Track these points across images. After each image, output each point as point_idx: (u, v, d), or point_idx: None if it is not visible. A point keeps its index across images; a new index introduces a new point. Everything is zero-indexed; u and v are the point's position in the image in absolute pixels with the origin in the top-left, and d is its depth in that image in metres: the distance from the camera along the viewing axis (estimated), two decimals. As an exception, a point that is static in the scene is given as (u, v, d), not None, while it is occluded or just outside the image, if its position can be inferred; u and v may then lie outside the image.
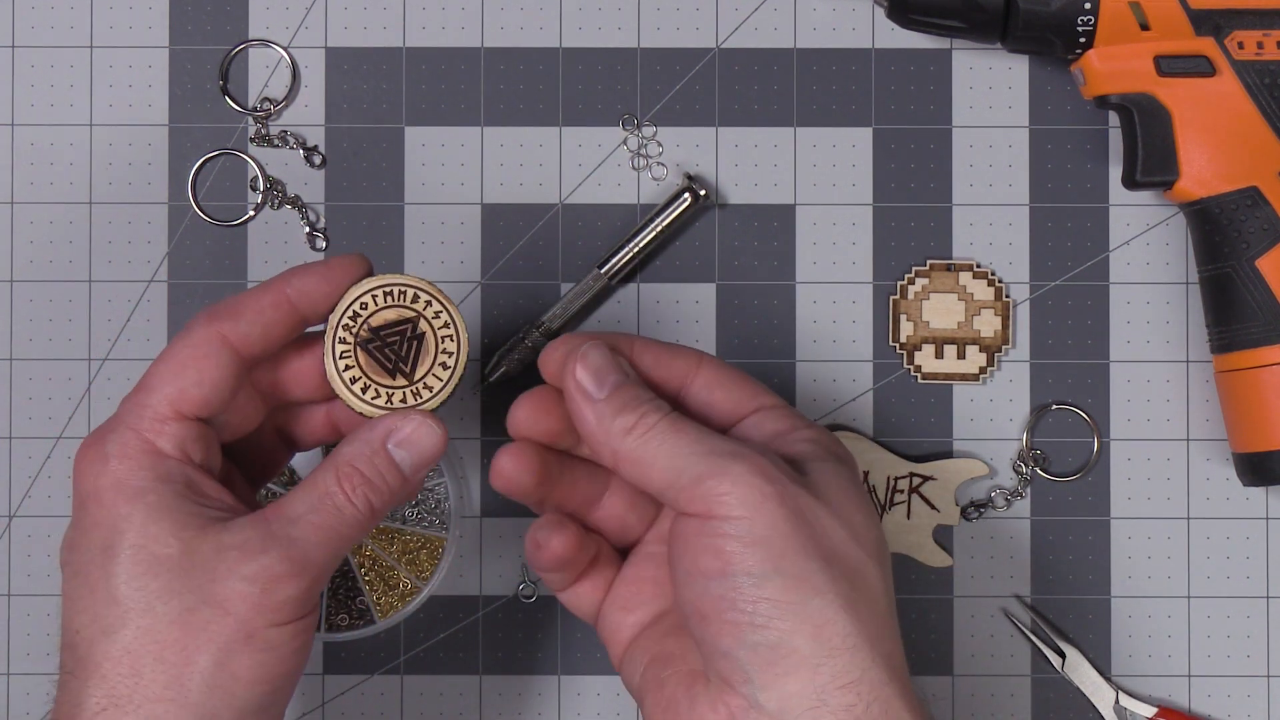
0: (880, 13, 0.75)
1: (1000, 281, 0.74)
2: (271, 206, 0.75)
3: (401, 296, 0.59)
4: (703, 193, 0.73)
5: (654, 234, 0.73)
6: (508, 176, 0.75)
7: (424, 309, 0.59)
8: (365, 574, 0.71)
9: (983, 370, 0.74)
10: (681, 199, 0.73)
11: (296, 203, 0.75)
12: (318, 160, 0.75)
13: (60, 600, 0.58)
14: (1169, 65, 0.66)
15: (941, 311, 0.74)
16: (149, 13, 0.75)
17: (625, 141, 0.75)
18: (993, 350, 0.74)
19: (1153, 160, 0.68)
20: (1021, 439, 0.74)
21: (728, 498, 0.57)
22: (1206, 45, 0.66)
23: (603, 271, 0.73)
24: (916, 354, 0.74)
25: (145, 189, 0.75)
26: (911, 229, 0.75)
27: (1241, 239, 0.67)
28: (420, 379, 0.59)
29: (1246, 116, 0.67)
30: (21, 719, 0.74)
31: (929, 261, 0.74)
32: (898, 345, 0.74)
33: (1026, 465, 0.74)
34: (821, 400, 0.74)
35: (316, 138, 0.75)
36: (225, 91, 0.75)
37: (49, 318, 0.75)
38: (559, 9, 0.75)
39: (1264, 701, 0.73)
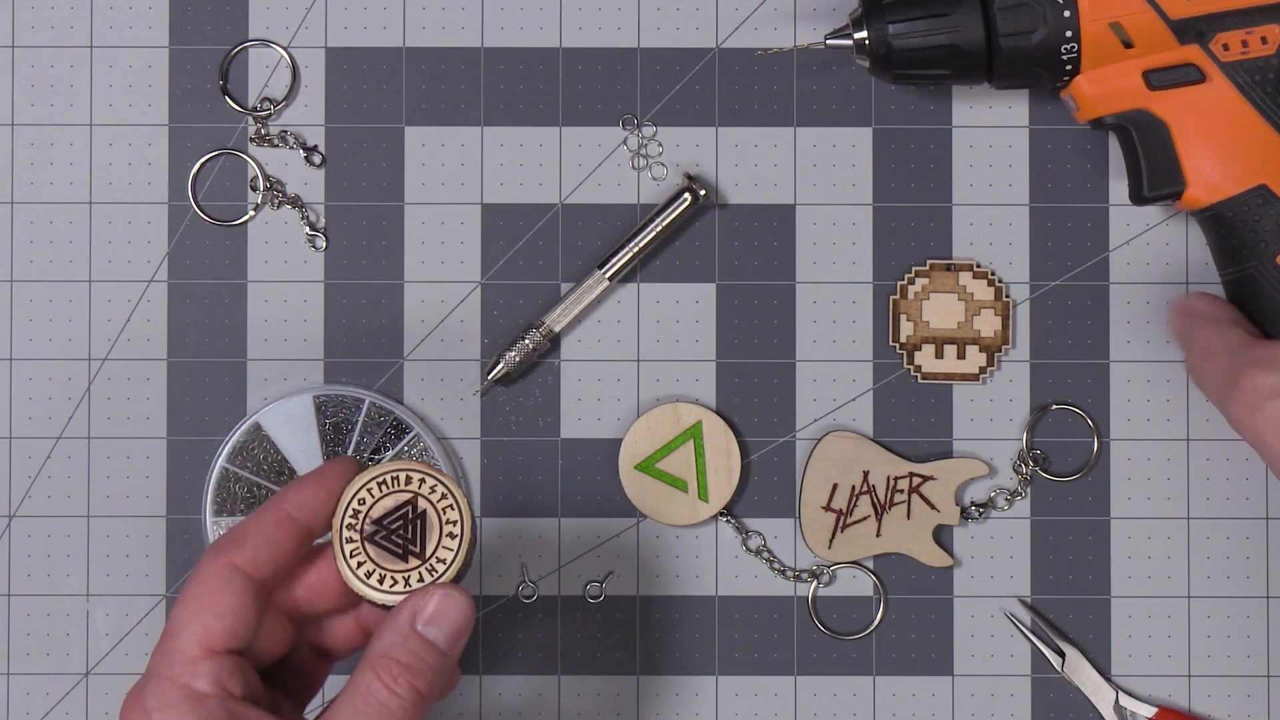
0: (880, 13, 0.75)
1: (1000, 281, 0.74)
2: (271, 206, 0.75)
3: (395, 482, 0.60)
4: (703, 193, 0.73)
5: (654, 234, 0.73)
6: (508, 176, 0.75)
7: (419, 487, 0.60)
8: None
9: (983, 370, 0.74)
10: (681, 199, 0.73)
11: (296, 203, 0.75)
12: (318, 160, 0.75)
13: None
14: (1159, 78, 0.66)
15: (941, 311, 0.74)
16: (149, 13, 0.75)
17: (625, 141, 0.75)
18: (993, 350, 0.74)
19: (1158, 174, 0.68)
20: (1021, 439, 0.74)
21: None
22: (1192, 53, 0.66)
23: (603, 271, 0.73)
24: (916, 354, 0.74)
25: (145, 189, 0.75)
26: (911, 229, 0.74)
27: (1259, 238, 0.67)
28: (431, 554, 0.59)
29: (1244, 116, 0.66)
30: (21, 719, 0.74)
31: (929, 261, 0.74)
32: (898, 345, 0.74)
33: (1026, 465, 0.74)
34: (821, 400, 0.74)
35: (316, 138, 0.75)
36: (225, 91, 0.75)
37: (49, 318, 0.75)
38: (559, 9, 0.75)
39: (1264, 701, 0.73)
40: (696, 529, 0.74)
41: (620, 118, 0.75)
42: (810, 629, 0.74)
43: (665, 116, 0.75)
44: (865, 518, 0.74)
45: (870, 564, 0.74)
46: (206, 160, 0.75)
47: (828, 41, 0.69)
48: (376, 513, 0.60)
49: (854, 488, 0.74)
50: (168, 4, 0.75)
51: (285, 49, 0.75)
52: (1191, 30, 0.65)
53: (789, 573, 0.74)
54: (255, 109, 0.75)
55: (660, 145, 0.75)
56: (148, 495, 0.74)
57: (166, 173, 0.75)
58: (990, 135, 0.74)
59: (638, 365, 0.75)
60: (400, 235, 0.75)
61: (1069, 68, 0.66)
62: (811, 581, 0.74)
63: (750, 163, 0.75)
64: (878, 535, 0.74)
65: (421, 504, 0.60)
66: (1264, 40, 0.65)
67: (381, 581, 0.59)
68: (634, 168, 0.75)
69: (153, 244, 0.75)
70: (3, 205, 0.75)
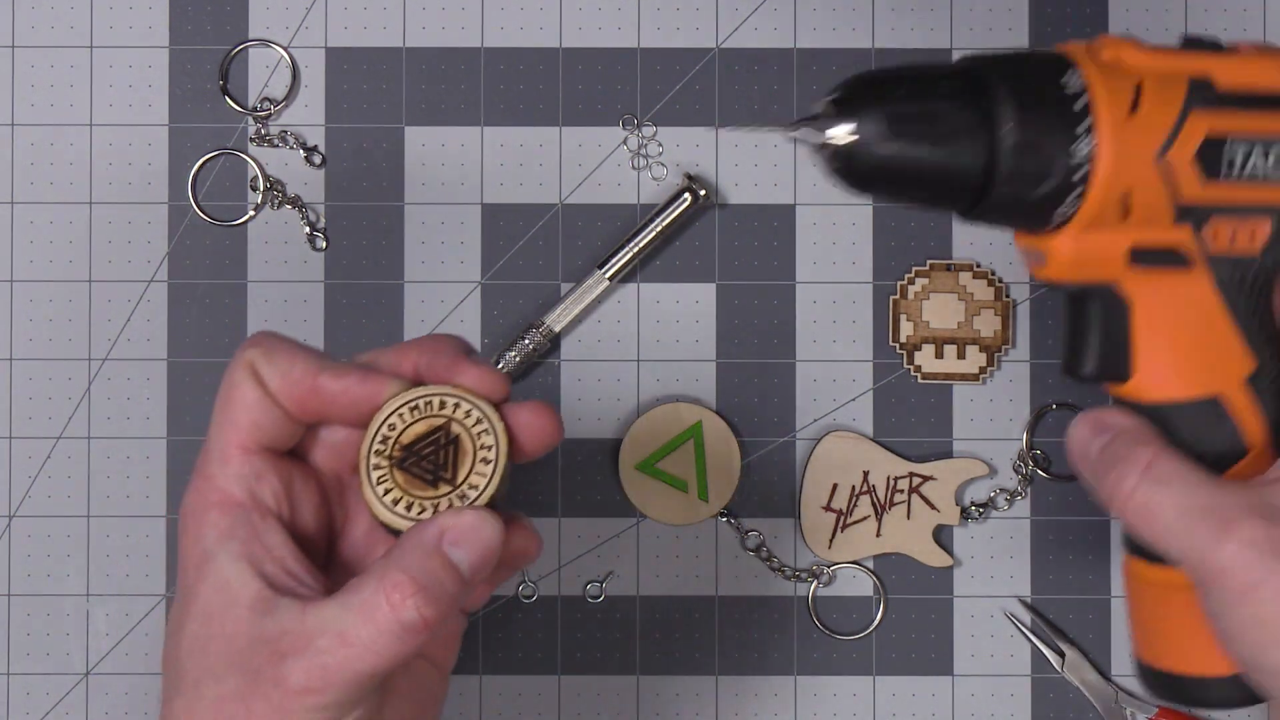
0: (880, 13, 0.75)
1: (1000, 281, 0.74)
2: (271, 206, 0.75)
3: (429, 407, 0.56)
4: (703, 193, 0.73)
5: (654, 234, 0.73)
6: (508, 176, 0.75)
7: (454, 412, 0.56)
8: None
9: (983, 370, 0.74)
10: (681, 199, 0.73)
11: (296, 203, 0.75)
12: (318, 160, 0.75)
13: None
14: (1145, 256, 0.56)
15: (941, 311, 0.74)
16: (149, 13, 0.75)
17: (625, 141, 0.75)
18: (993, 350, 0.74)
19: (1106, 356, 0.58)
20: (1021, 439, 0.74)
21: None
22: (1183, 236, 0.56)
23: (603, 271, 0.73)
24: (916, 354, 0.74)
25: (145, 189, 0.75)
26: (911, 229, 0.74)
27: (1201, 454, 0.57)
28: (463, 481, 0.56)
29: (1214, 316, 0.57)
30: (21, 719, 0.74)
31: (929, 261, 0.74)
32: (898, 345, 0.74)
33: (1026, 465, 0.74)
34: (821, 400, 0.74)
35: (316, 138, 0.75)
36: (225, 91, 0.75)
37: (49, 318, 0.75)
38: (559, 9, 0.75)
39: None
40: (696, 529, 0.74)
41: (620, 118, 0.75)
42: (810, 629, 0.74)
43: (665, 116, 0.75)
44: (865, 518, 0.74)
45: (870, 564, 0.74)
46: (206, 160, 0.75)
47: (800, 130, 0.54)
48: (407, 438, 0.56)
49: (854, 488, 0.74)
50: (168, 4, 0.75)
51: (285, 49, 0.75)
52: (1191, 213, 0.56)
53: (789, 572, 0.74)
54: (255, 109, 0.75)
55: (660, 145, 0.75)
56: (148, 495, 0.74)
57: (166, 173, 0.75)
58: (990, 135, 0.74)
59: (638, 365, 0.75)
60: (400, 235, 0.75)
61: (1056, 224, 0.56)
62: (811, 581, 0.74)
63: (750, 163, 0.75)
64: (878, 535, 0.74)
65: (455, 429, 0.56)
66: (1253, 236, 0.57)
67: (410, 509, 0.55)
68: (634, 168, 0.75)
69: (153, 244, 0.75)
70: (3, 205, 0.75)
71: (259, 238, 0.75)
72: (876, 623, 0.74)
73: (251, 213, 0.75)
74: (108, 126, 0.75)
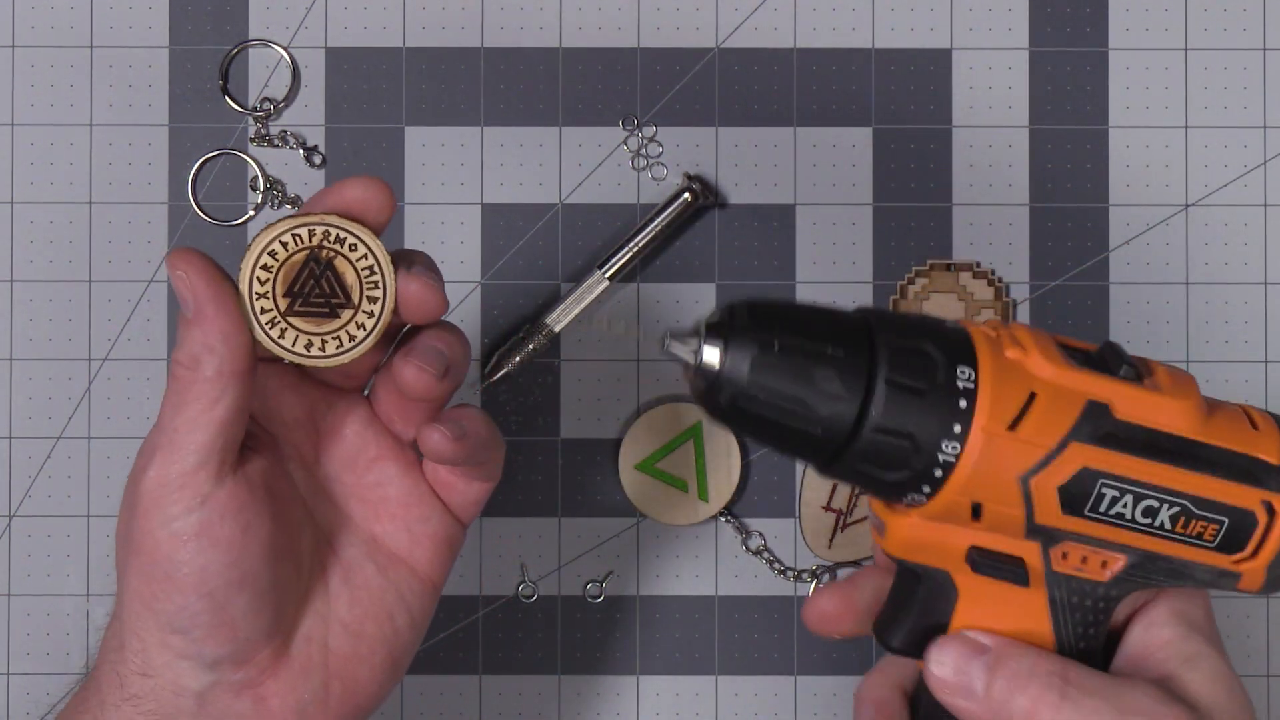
0: (880, 13, 0.75)
1: (1000, 281, 0.74)
2: (271, 206, 0.75)
3: (284, 249, 0.55)
4: (703, 192, 0.73)
5: (654, 234, 0.73)
6: (508, 176, 0.75)
7: (310, 241, 0.55)
8: None
9: (983, 370, 0.74)
10: (681, 199, 0.73)
11: (296, 203, 0.75)
12: (318, 160, 0.75)
13: None
14: (983, 563, 0.53)
15: (941, 311, 0.74)
16: (149, 13, 0.75)
17: (625, 141, 0.75)
18: (993, 350, 0.74)
19: (919, 634, 0.54)
20: (1021, 439, 0.74)
21: None
22: (1029, 550, 0.53)
23: (603, 271, 0.73)
24: (916, 354, 0.74)
25: (145, 189, 0.75)
26: (911, 229, 0.75)
27: None
28: (360, 297, 0.55)
29: (1037, 634, 0.53)
30: (21, 719, 0.74)
31: (929, 261, 0.74)
32: (898, 345, 0.74)
33: (1026, 465, 0.74)
34: (821, 400, 0.74)
35: (316, 138, 0.75)
36: (225, 91, 0.75)
37: (49, 318, 0.75)
38: (559, 9, 0.75)
39: (1264, 701, 0.73)
40: (696, 529, 0.74)
41: (620, 118, 0.75)
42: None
43: (665, 116, 0.75)
44: (865, 518, 0.74)
45: (870, 564, 0.74)
46: (206, 160, 0.75)
47: (668, 345, 0.50)
48: (280, 289, 0.54)
49: (854, 488, 0.74)
50: (168, 4, 0.75)
51: (285, 49, 0.75)
52: (1043, 532, 0.52)
53: (789, 573, 0.74)
54: (255, 109, 0.75)
55: (660, 145, 0.75)
56: (148, 495, 0.74)
57: (166, 173, 0.75)
58: (990, 135, 0.74)
59: (638, 365, 0.75)
60: (400, 235, 0.75)
61: (908, 503, 0.52)
62: (811, 581, 0.74)
63: (750, 163, 0.75)
64: (878, 535, 0.74)
65: (324, 255, 0.55)
66: (1103, 565, 0.53)
67: (324, 347, 0.55)
68: (634, 168, 0.75)
69: (153, 244, 0.75)
70: (3, 205, 0.75)
71: (259, 238, 0.75)
72: (876, 623, 0.74)
73: (251, 213, 0.75)
74: (108, 126, 0.75)
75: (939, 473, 0.50)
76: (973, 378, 0.50)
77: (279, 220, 0.54)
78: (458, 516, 0.59)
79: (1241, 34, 0.75)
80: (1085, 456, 0.51)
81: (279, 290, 0.55)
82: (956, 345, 0.51)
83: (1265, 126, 0.75)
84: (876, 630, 0.56)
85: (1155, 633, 0.54)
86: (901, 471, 0.50)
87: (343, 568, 0.58)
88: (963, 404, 0.50)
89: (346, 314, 0.55)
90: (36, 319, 0.75)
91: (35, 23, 0.75)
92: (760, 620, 0.74)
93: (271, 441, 0.57)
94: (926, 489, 0.51)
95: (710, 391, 0.50)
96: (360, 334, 0.55)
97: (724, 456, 0.74)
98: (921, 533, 0.52)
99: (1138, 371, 0.52)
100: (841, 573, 0.74)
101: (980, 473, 0.50)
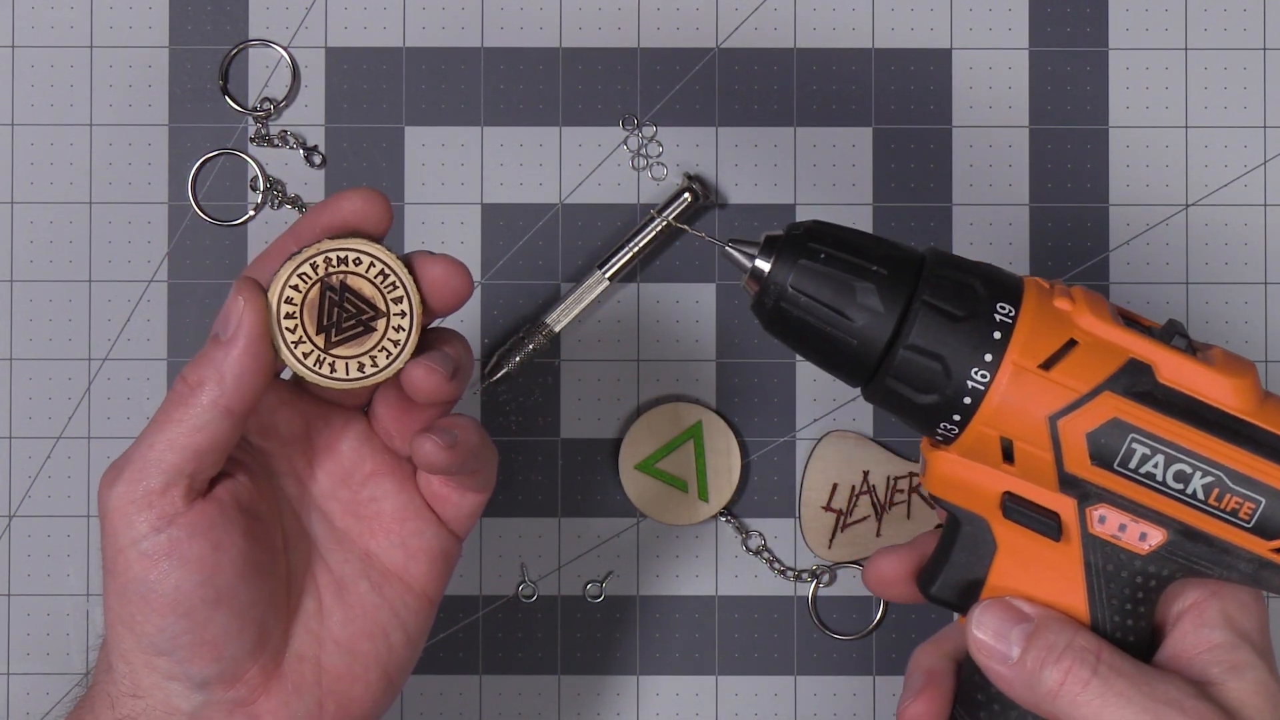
0: (880, 13, 0.75)
1: (1000, 281, 0.74)
2: (271, 206, 0.75)
3: (304, 283, 0.55)
4: (703, 192, 0.73)
5: (654, 234, 0.73)
6: (508, 176, 0.75)
7: (320, 273, 0.55)
8: None
9: (983, 370, 0.74)
10: (681, 199, 0.73)
11: (296, 203, 0.75)
12: (318, 160, 0.75)
13: None
14: (1016, 510, 0.54)
15: (941, 311, 0.74)
16: (149, 13, 0.75)
17: (625, 141, 0.75)
18: (993, 350, 0.74)
19: (957, 586, 0.55)
20: (1021, 439, 0.74)
21: None
22: (1065, 505, 0.53)
23: (603, 271, 0.73)
24: (916, 354, 0.74)
25: (145, 189, 0.75)
26: (911, 229, 0.75)
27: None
28: (386, 309, 0.55)
29: (1070, 599, 0.54)
30: (21, 719, 0.74)
31: (929, 261, 0.74)
32: (898, 345, 0.74)
33: (1026, 465, 0.74)
34: (821, 400, 0.74)
35: (316, 138, 0.75)
36: (225, 91, 0.75)
37: (49, 318, 0.75)
38: (559, 9, 0.75)
39: (1264, 701, 0.73)
40: (696, 529, 0.74)
41: (620, 118, 0.75)
42: (810, 629, 0.74)
43: (665, 116, 0.75)
44: (865, 518, 0.74)
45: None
46: (206, 160, 0.75)
47: (728, 248, 0.55)
48: (312, 329, 0.55)
49: (854, 488, 0.74)
50: (168, 4, 0.75)
51: (285, 49, 0.75)
52: (1078, 487, 0.53)
53: (789, 573, 0.74)
54: (255, 109, 0.75)
55: (660, 145, 0.75)
56: (148, 495, 0.74)
57: (166, 173, 0.75)
58: (990, 135, 0.74)
59: (638, 365, 0.75)
60: (400, 235, 0.75)
61: (940, 439, 0.54)
62: (811, 581, 0.74)
63: (750, 163, 0.75)
64: (878, 535, 0.74)
65: (335, 280, 0.55)
66: (1142, 537, 0.53)
67: (377, 361, 0.55)
68: (634, 168, 0.75)
69: (153, 244, 0.75)
70: (3, 205, 0.75)
71: (259, 238, 0.75)
72: (876, 623, 0.74)
73: (251, 213, 0.75)
74: (108, 126, 0.75)
75: (968, 400, 0.52)
76: (1012, 314, 0.52)
77: (279, 270, 0.55)
78: (453, 530, 0.59)
79: (1241, 34, 0.75)
80: (1117, 407, 0.52)
81: (311, 331, 0.55)
82: (1004, 286, 0.53)
83: (1265, 126, 0.75)
84: (919, 580, 0.57)
85: (1203, 635, 0.54)
86: (932, 395, 0.52)
87: (336, 585, 0.57)
88: (997, 335, 0.52)
89: (381, 323, 0.56)
90: (36, 319, 0.75)
91: (35, 23, 0.75)
92: (760, 620, 0.74)
93: (254, 458, 0.57)
94: (957, 417, 0.52)
95: (759, 296, 0.54)
96: (402, 334, 0.56)
97: (724, 456, 0.74)
98: (958, 469, 0.54)
99: (1193, 347, 0.53)
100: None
101: (1008, 406, 0.52)
